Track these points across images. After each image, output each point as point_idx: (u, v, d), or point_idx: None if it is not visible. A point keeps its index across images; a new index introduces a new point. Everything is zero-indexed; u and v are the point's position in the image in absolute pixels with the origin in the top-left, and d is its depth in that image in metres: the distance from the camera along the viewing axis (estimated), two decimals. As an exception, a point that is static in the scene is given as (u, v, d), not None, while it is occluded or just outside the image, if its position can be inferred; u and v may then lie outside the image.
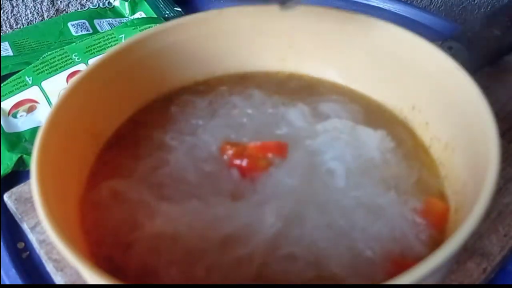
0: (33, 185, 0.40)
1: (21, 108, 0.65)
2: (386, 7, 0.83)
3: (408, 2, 0.82)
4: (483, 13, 0.64)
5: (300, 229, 0.44)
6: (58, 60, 0.69)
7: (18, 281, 0.49)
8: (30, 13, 0.88)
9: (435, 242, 0.44)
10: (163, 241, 0.43)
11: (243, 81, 0.63)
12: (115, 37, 0.74)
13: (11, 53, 0.74)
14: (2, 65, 0.70)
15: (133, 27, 0.75)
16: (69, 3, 0.89)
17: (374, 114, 0.57)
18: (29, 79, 0.67)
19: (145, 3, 0.84)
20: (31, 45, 0.76)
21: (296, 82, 0.62)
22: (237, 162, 0.49)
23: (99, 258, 0.43)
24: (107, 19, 0.83)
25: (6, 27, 0.87)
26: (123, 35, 0.74)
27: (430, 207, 0.46)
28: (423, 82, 0.53)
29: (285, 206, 0.45)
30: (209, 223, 0.44)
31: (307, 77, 0.63)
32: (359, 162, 0.50)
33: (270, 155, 0.49)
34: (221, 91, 0.61)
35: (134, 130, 0.56)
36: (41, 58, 0.69)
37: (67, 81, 0.67)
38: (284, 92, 0.60)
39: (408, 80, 0.55)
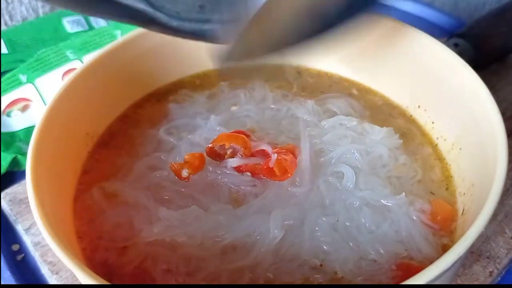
0: (28, 187, 0.39)
1: (15, 107, 0.63)
2: (389, 4, 0.81)
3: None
4: (489, 9, 0.63)
5: (304, 234, 0.42)
6: (52, 58, 0.68)
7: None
8: (25, 9, 0.86)
9: (442, 244, 0.43)
10: (160, 248, 0.42)
11: (244, 74, 0.60)
12: (111, 33, 0.72)
13: (6, 51, 0.73)
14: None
15: (130, 23, 0.74)
16: (65, -1, 0.87)
17: (380, 111, 0.56)
18: (24, 77, 0.66)
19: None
20: (26, 42, 0.75)
21: (301, 76, 0.60)
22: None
23: (94, 263, 0.42)
24: (103, 15, 0.82)
25: (1, 23, 0.86)
26: (119, 31, 0.73)
27: (437, 208, 0.44)
28: (428, 80, 0.51)
29: (288, 214, 0.43)
30: (209, 231, 0.42)
31: (313, 71, 0.61)
32: (367, 159, 0.48)
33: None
34: (220, 85, 0.58)
35: (130, 127, 0.54)
36: (35, 55, 0.68)
37: (62, 79, 0.66)
38: (288, 87, 0.59)
39: (413, 78, 0.53)
